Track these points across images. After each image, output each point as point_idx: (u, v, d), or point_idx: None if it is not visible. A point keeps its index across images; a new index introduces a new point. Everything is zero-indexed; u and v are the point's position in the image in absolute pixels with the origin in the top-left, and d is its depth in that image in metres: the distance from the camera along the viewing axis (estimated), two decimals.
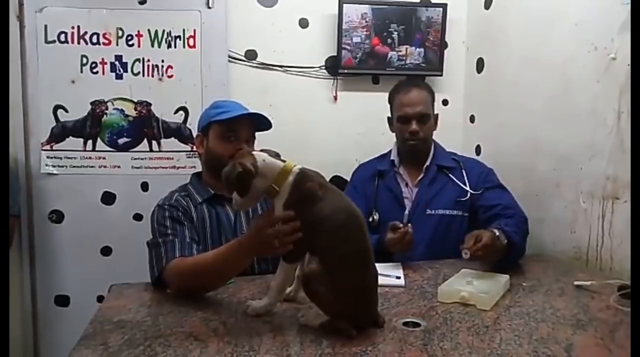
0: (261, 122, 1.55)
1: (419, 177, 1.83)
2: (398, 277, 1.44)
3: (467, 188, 1.78)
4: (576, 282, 1.43)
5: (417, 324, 1.14)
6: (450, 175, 1.81)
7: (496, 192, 1.79)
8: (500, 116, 2.20)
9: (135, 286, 1.44)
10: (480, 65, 2.36)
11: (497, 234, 1.45)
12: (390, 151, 1.94)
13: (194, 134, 2.13)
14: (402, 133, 1.82)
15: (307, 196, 1.11)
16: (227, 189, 1.15)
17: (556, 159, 1.85)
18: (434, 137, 1.92)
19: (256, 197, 1.16)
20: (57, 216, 2.19)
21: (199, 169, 1.65)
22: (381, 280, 1.29)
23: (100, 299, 2.11)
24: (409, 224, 1.57)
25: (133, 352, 1.01)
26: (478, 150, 2.36)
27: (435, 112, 1.88)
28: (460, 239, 1.46)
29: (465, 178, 1.79)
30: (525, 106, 2.02)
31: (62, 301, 2.23)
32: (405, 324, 1.14)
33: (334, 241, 1.07)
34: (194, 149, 2.15)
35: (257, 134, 1.58)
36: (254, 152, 1.14)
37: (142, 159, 2.21)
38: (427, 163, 1.83)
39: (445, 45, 2.40)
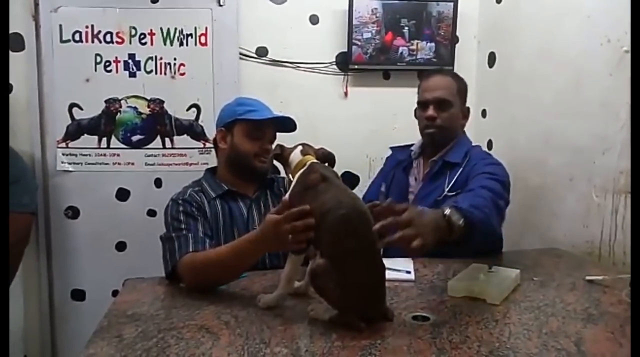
0: (285, 124, 1.56)
1: (426, 171, 1.76)
2: (408, 272, 1.44)
3: (446, 188, 1.65)
4: (588, 277, 1.41)
5: (426, 318, 1.13)
6: (449, 172, 1.67)
7: (478, 179, 1.52)
8: (512, 110, 2.17)
9: (149, 280, 1.46)
10: (491, 59, 2.33)
11: (446, 212, 1.15)
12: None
13: (206, 130, 2.24)
14: (421, 120, 1.74)
15: (308, 188, 1.13)
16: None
17: (569, 152, 1.82)
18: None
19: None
20: (73, 212, 2.22)
21: (212, 165, 1.66)
22: (391, 275, 1.32)
23: (115, 293, 2.14)
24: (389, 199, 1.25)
25: (147, 344, 1.02)
26: (490, 144, 2.33)
27: (467, 106, 1.77)
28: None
29: (456, 176, 1.63)
30: (537, 100, 1.99)
31: (79, 295, 2.26)
32: (415, 317, 1.13)
33: (336, 236, 1.06)
34: (206, 145, 2.22)
35: None
36: (296, 145, 1.24)
37: (155, 155, 2.22)
38: (436, 157, 1.72)
39: (457, 40, 2.38)
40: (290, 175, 1.18)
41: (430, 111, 1.68)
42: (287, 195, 1.17)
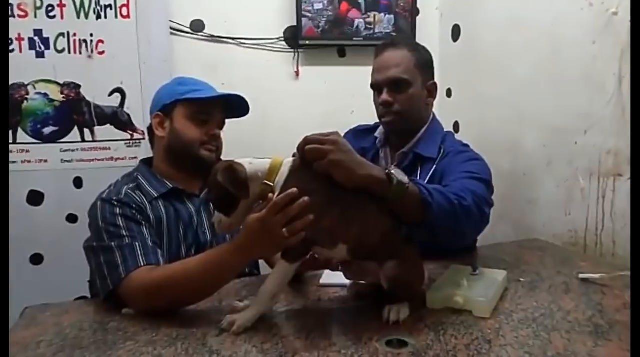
0: (235, 107, 1.38)
1: (394, 164, 1.50)
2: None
3: None
4: (581, 276, 1.24)
5: (403, 343, 0.92)
6: (421, 167, 1.42)
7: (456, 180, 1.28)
8: (481, 88, 2.02)
9: (54, 308, 1.18)
10: (456, 32, 2.18)
11: (391, 171, 1.00)
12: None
13: (133, 119, 1.98)
14: (377, 106, 1.49)
15: (311, 176, 0.97)
16: (215, 206, 1.03)
17: (546, 133, 1.67)
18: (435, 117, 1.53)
19: (246, 212, 1.00)
20: None
21: (142, 157, 1.44)
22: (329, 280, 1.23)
23: None
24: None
25: None
26: (456, 127, 2.18)
27: (432, 81, 1.48)
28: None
29: (430, 173, 1.39)
30: (509, 75, 1.84)
31: None
32: (389, 343, 0.92)
33: (374, 221, 0.99)
34: (134, 136, 1.97)
35: None
36: (237, 159, 1.01)
37: (73, 150, 1.94)
38: (406, 148, 1.47)
39: (417, 12, 2.23)
40: (266, 182, 0.99)
41: (385, 95, 1.42)
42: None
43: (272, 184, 0.98)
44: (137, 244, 1.15)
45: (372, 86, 1.47)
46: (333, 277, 1.21)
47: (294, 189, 0.93)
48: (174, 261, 1.21)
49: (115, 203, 1.22)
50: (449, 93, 2.25)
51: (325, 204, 0.96)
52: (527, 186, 1.75)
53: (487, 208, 1.18)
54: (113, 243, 1.15)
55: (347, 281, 1.17)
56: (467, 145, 1.49)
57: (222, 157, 1.33)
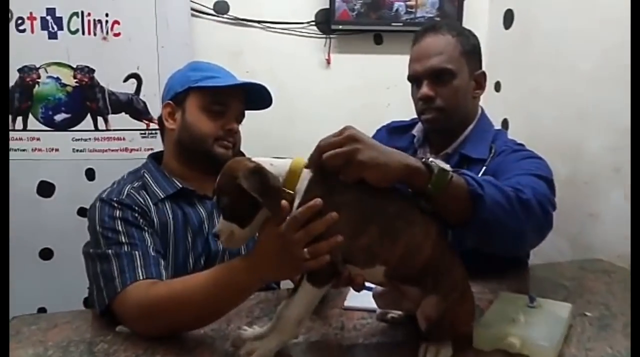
0: (255, 97, 1.25)
1: None
2: None
3: None
4: None
5: None
6: (468, 169, 1.24)
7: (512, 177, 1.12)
8: (535, 81, 1.84)
9: (43, 320, 1.08)
10: (508, 18, 2.01)
11: (429, 159, 0.83)
12: None
13: (150, 107, 1.87)
14: (415, 101, 1.32)
15: (339, 182, 0.80)
16: (228, 214, 0.84)
17: (615, 134, 1.47)
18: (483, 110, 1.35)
19: (262, 223, 0.85)
20: None
21: (158, 149, 1.32)
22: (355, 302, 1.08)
23: (42, 311, 1.88)
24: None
25: None
26: (505, 125, 2.00)
27: (480, 70, 1.30)
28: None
29: (479, 175, 1.23)
30: (570, 67, 1.65)
31: None
32: None
33: (421, 237, 0.82)
34: (150, 126, 1.88)
35: None
36: (253, 158, 0.84)
37: (85, 139, 1.86)
38: (449, 149, 1.30)
39: None
40: (285, 189, 0.81)
41: (425, 88, 1.25)
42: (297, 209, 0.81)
43: (292, 192, 0.81)
44: (136, 252, 1.03)
45: (410, 78, 1.30)
46: (360, 299, 1.04)
47: (318, 200, 0.77)
48: (179, 272, 1.10)
49: (115, 205, 1.10)
50: (497, 87, 2.07)
51: (360, 220, 0.79)
52: (588, 196, 1.56)
53: (550, 207, 1.00)
54: (110, 250, 1.03)
55: (376, 305, 1.00)
56: (522, 145, 1.30)
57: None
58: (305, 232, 0.78)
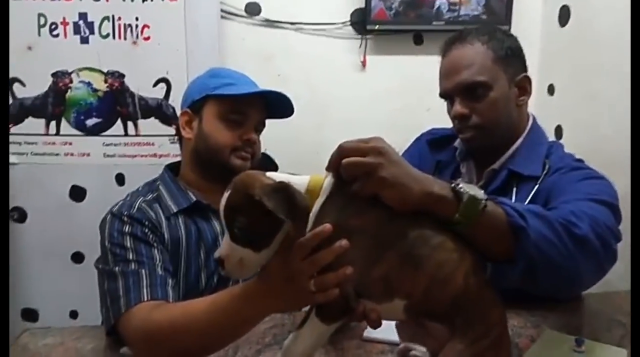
0: (276, 105, 1.21)
1: (481, 183, 1.23)
2: None
3: None
4: None
5: None
6: (517, 187, 1.15)
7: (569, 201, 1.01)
8: (594, 85, 1.72)
9: (51, 336, 1.04)
10: (564, 15, 1.89)
11: (458, 185, 0.73)
12: None
13: (179, 112, 1.81)
14: (451, 120, 1.21)
15: (354, 203, 0.72)
16: (243, 237, 0.73)
17: None
18: (534, 119, 1.22)
19: (276, 247, 0.75)
20: (19, 214, 1.91)
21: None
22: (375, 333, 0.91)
23: (73, 314, 1.94)
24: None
25: None
26: (559, 132, 1.87)
27: (521, 75, 1.17)
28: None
29: (531, 195, 1.12)
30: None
31: (30, 315, 1.98)
32: None
33: (449, 268, 0.70)
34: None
35: None
36: (267, 173, 0.75)
37: (115, 144, 1.87)
38: (496, 165, 1.19)
39: None
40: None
41: (458, 107, 1.14)
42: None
43: (309, 211, 0.73)
44: (143, 271, 1.00)
45: (442, 95, 1.19)
46: (381, 329, 0.94)
47: (327, 226, 0.69)
48: (191, 290, 1.07)
49: (125, 219, 1.07)
50: (551, 90, 1.96)
51: (377, 246, 0.70)
52: None
53: (613, 240, 0.88)
54: (117, 268, 1.02)
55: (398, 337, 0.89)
56: (581, 160, 1.16)
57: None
58: (310, 262, 0.70)
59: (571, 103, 1.85)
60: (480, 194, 0.72)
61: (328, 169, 0.73)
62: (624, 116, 1.51)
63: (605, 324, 1.04)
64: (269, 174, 0.74)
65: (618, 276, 1.44)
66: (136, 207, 1.10)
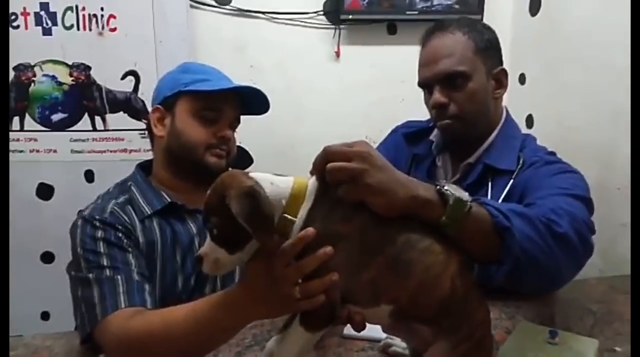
0: (251, 101, 1.19)
1: (457, 178, 1.24)
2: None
3: None
4: None
5: None
6: (492, 181, 1.16)
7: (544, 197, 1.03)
8: (564, 74, 1.75)
9: (24, 344, 1.01)
10: (535, 4, 1.92)
11: (443, 187, 0.73)
12: None
13: (148, 106, 1.77)
14: (429, 109, 1.22)
15: (339, 207, 0.72)
16: (216, 237, 0.73)
17: None
18: (508, 111, 1.24)
19: (254, 250, 0.74)
20: None
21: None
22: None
23: (45, 315, 1.91)
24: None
25: None
26: (529, 122, 1.90)
27: (499, 67, 1.18)
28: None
29: (506, 189, 1.14)
30: (603, 59, 1.55)
31: None
32: None
33: (437, 271, 0.70)
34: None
35: None
36: (251, 173, 0.74)
37: (83, 140, 1.82)
38: (472, 158, 1.20)
39: None
40: (287, 215, 0.72)
41: (437, 95, 1.14)
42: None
43: (294, 219, 0.71)
44: (119, 277, 0.97)
45: (420, 84, 1.19)
46: None
47: (310, 230, 0.68)
48: (168, 293, 1.04)
49: (98, 224, 1.04)
50: (522, 79, 1.98)
51: (362, 252, 0.70)
52: (621, 204, 1.45)
53: (589, 234, 0.90)
54: (91, 275, 0.98)
55: (381, 334, 0.89)
56: (554, 153, 1.18)
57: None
58: (295, 269, 0.69)
59: (542, 93, 1.87)
60: (465, 195, 0.72)
61: (312, 172, 0.73)
62: (594, 107, 1.56)
63: (576, 313, 1.07)
64: (252, 174, 0.72)
65: (587, 265, 1.50)
66: (108, 210, 1.06)
